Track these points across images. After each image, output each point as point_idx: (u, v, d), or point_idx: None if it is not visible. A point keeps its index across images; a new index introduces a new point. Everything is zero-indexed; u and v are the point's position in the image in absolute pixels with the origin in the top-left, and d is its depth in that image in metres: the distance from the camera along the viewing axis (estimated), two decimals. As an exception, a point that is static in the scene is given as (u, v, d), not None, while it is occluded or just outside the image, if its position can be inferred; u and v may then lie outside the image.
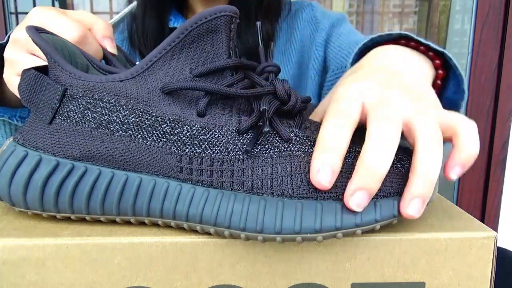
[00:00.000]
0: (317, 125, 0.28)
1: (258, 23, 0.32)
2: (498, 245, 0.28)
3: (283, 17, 0.63)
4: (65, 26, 0.34)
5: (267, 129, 0.25)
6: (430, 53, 0.34)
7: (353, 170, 0.25)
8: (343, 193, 0.24)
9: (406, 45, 0.35)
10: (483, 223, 0.27)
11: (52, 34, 0.30)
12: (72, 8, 1.11)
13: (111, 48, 0.37)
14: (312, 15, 0.63)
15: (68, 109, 0.27)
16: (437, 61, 0.34)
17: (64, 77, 0.27)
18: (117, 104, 0.26)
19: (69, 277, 0.25)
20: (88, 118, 0.26)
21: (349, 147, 0.26)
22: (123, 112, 0.26)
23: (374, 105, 0.25)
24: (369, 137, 0.24)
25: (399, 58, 0.32)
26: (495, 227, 1.10)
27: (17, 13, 1.05)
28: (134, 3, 0.62)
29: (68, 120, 0.27)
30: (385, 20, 1.12)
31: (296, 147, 0.26)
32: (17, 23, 1.04)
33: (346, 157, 0.25)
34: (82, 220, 0.28)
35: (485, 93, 1.04)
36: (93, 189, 0.26)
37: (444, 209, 0.30)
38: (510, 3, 0.99)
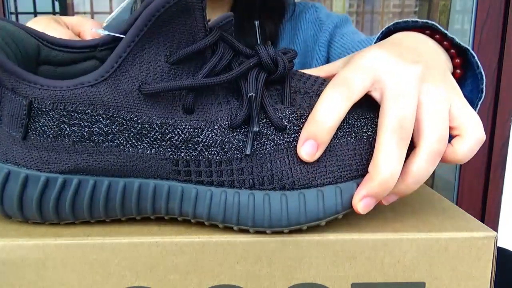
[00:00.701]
0: (310, 95, 0.27)
1: (257, 22, 0.32)
2: (498, 245, 0.28)
3: (287, 18, 0.63)
4: (53, 34, 0.33)
5: (256, 129, 0.24)
6: (452, 51, 0.33)
7: (347, 152, 0.25)
8: (340, 176, 0.25)
9: (431, 36, 0.33)
10: (483, 223, 0.27)
11: None
12: (72, 8, 1.11)
13: None
14: (315, 16, 0.63)
15: (40, 124, 0.24)
16: (457, 60, 0.33)
17: (25, 88, 0.24)
18: (95, 114, 0.24)
19: (69, 277, 0.25)
20: (67, 132, 0.24)
21: (348, 127, 0.26)
22: (104, 122, 0.24)
23: (389, 88, 0.24)
24: (383, 145, 0.24)
25: (422, 42, 0.32)
26: (495, 227, 1.10)
27: (17, 13, 1.05)
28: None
29: (44, 136, 0.24)
30: (385, 20, 1.12)
31: (291, 137, 0.25)
32: (17, 23, 1.04)
33: (341, 136, 0.25)
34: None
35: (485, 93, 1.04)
36: (92, 198, 0.25)
37: (444, 209, 0.30)
38: (510, 3, 0.99)
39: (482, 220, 1.08)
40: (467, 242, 0.26)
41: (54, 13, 1.08)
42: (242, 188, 0.25)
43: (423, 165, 0.24)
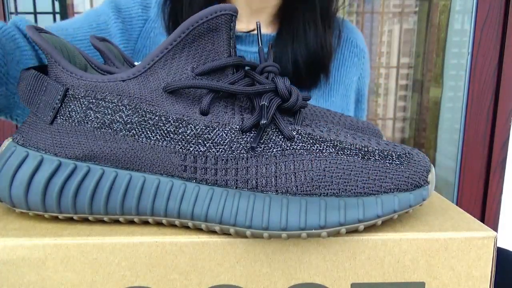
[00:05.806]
0: (317, 123, 0.28)
1: (258, 23, 0.32)
2: (498, 245, 0.28)
3: (335, 37, 0.61)
4: None
5: (265, 122, 0.25)
6: None
7: (353, 168, 0.25)
8: (344, 190, 0.25)
9: None
10: (483, 223, 0.27)
11: (51, 34, 0.30)
12: (72, 8, 1.11)
13: None
14: (362, 47, 0.63)
15: (69, 109, 0.27)
16: None
17: (65, 77, 0.27)
18: (119, 104, 0.26)
19: (69, 277, 0.25)
20: (91, 118, 0.26)
21: (350, 145, 0.26)
22: (126, 112, 0.26)
23: None
24: None
25: None
26: (495, 227, 1.10)
27: (17, 13, 1.05)
28: None
29: (70, 120, 0.27)
30: (385, 20, 1.12)
31: (298, 145, 0.26)
32: (17, 23, 1.04)
33: (349, 154, 0.26)
34: (83, 220, 0.28)
35: (485, 93, 1.04)
36: (96, 189, 0.26)
37: (444, 209, 0.30)
38: (510, 3, 0.99)
39: (482, 220, 1.08)
40: (467, 242, 0.26)
41: (54, 13, 1.08)
42: (245, 189, 0.25)
43: None
